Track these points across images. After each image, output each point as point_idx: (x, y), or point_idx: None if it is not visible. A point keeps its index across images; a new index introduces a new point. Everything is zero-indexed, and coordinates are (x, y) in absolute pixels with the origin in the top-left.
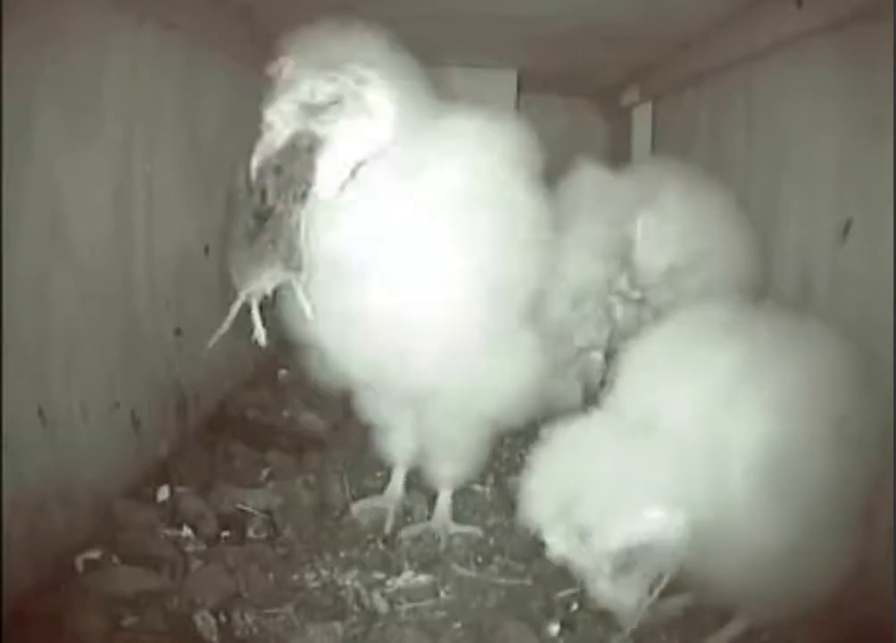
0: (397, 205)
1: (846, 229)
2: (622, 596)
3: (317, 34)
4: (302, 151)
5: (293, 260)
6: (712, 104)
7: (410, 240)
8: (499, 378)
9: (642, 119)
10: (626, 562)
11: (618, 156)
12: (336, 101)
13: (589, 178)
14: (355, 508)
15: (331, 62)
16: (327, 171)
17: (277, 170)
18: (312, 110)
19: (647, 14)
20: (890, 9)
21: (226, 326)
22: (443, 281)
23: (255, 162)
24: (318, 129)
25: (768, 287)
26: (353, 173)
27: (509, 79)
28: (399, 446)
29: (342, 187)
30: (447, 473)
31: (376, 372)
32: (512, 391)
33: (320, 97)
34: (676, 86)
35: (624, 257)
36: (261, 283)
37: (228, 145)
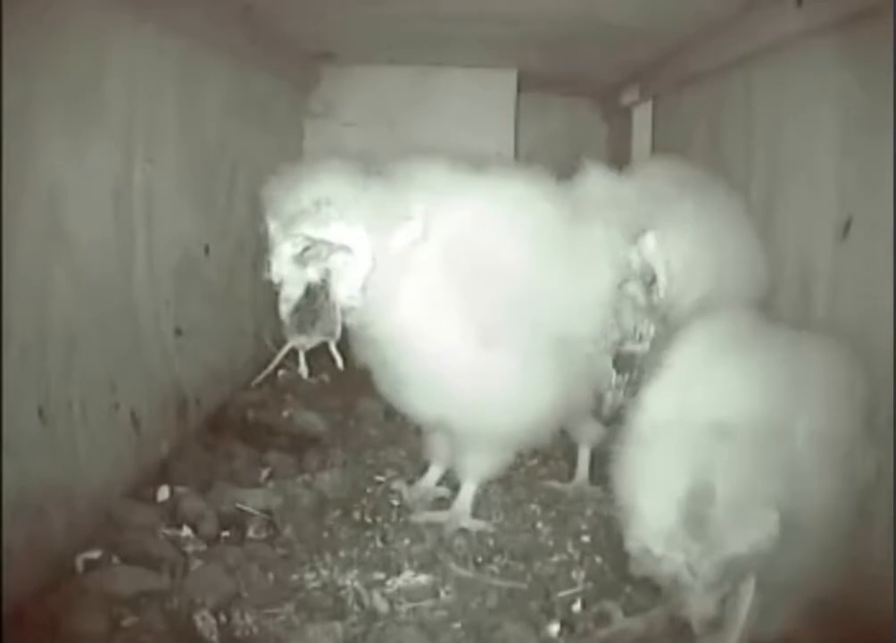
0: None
1: (846, 228)
2: (707, 605)
3: (278, 186)
4: (317, 296)
5: (332, 332)
6: (712, 104)
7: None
8: (517, 407)
9: (642, 119)
10: (735, 570)
11: (618, 156)
12: (310, 247)
13: (596, 181)
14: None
15: (293, 214)
16: (343, 297)
17: (305, 313)
18: (301, 261)
19: (647, 14)
20: (890, 9)
21: (271, 367)
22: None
23: (284, 312)
24: (313, 275)
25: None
26: (364, 288)
27: (509, 79)
28: (438, 444)
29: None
30: (472, 466)
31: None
32: (532, 418)
33: (298, 250)
34: (676, 86)
35: (635, 263)
36: (306, 341)
37: (228, 144)
